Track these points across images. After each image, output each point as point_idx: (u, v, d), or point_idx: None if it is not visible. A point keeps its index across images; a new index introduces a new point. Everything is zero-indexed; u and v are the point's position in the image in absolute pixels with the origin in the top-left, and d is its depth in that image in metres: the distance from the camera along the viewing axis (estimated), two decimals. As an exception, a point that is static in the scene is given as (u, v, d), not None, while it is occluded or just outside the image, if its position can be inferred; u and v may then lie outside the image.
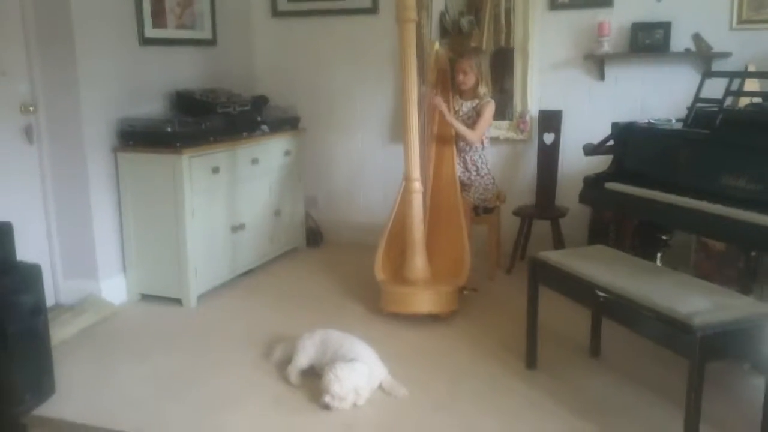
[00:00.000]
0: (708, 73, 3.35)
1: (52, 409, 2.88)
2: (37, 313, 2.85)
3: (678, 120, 3.37)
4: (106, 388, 3.07)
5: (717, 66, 4.26)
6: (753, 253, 3.26)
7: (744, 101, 3.49)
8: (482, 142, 4.37)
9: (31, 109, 3.77)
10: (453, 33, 4.91)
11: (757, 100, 3.39)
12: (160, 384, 3.10)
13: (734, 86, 3.14)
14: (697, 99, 3.20)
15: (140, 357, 3.38)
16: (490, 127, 4.43)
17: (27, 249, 3.59)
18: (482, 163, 4.40)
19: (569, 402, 2.86)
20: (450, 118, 4.16)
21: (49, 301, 3.43)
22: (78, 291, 3.95)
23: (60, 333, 3.48)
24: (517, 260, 4.54)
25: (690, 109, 3.22)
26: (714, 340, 2.28)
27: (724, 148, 2.94)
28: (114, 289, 4.05)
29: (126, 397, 2.98)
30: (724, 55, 4.25)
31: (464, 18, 4.90)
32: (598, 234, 4.48)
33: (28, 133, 3.79)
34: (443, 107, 4.14)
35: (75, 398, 2.97)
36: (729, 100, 3.17)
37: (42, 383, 2.89)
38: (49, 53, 3.77)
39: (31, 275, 2.84)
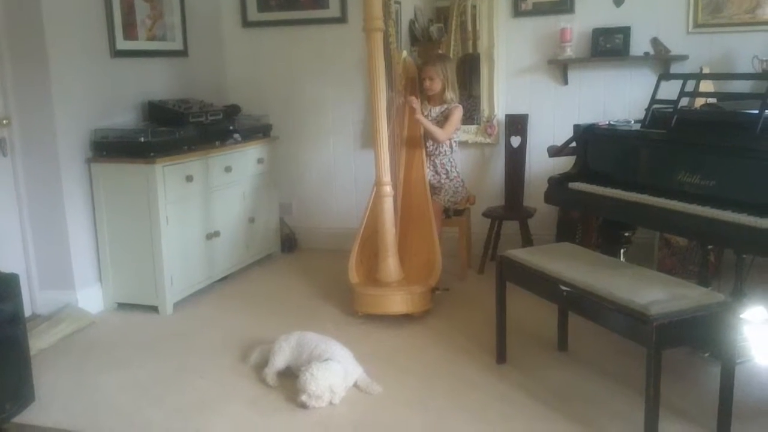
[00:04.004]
0: (663, 76, 3.47)
1: (32, 416, 2.91)
2: (16, 322, 2.88)
3: (637, 121, 3.48)
4: (85, 395, 3.11)
5: (675, 68, 4.42)
6: (710, 247, 3.41)
7: (701, 101, 3.63)
8: (451, 146, 4.48)
9: (4, 122, 3.80)
10: (423, 41, 5.02)
11: (713, 100, 3.54)
12: (139, 390, 3.15)
13: (689, 88, 3.27)
14: (653, 101, 3.33)
15: (119, 364, 3.42)
16: (458, 131, 4.53)
17: (2, 260, 3.63)
18: (451, 166, 4.51)
19: (537, 393, 2.96)
20: (420, 116, 4.24)
21: (26, 311, 3.44)
22: (54, 301, 3.98)
23: (38, 342, 3.51)
24: (488, 260, 4.64)
25: (647, 110, 3.35)
26: (669, 328, 2.39)
27: (680, 147, 3.07)
28: (90, 298, 4.08)
29: (105, 404, 3.03)
30: (682, 57, 4.41)
31: (433, 26, 5.01)
32: (565, 233, 4.60)
33: (2, 145, 3.82)
34: (416, 104, 4.22)
35: (55, 406, 3.01)
36: (685, 101, 3.30)
37: (22, 391, 2.92)
38: (21, 66, 3.81)
39: (8, 285, 2.87)
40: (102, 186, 4.06)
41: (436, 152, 4.45)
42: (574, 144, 3.68)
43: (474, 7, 4.84)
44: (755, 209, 2.62)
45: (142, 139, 3.97)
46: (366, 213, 4.21)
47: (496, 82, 4.84)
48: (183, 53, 4.93)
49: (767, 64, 4.11)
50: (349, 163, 5.33)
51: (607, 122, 3.58)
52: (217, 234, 4.46)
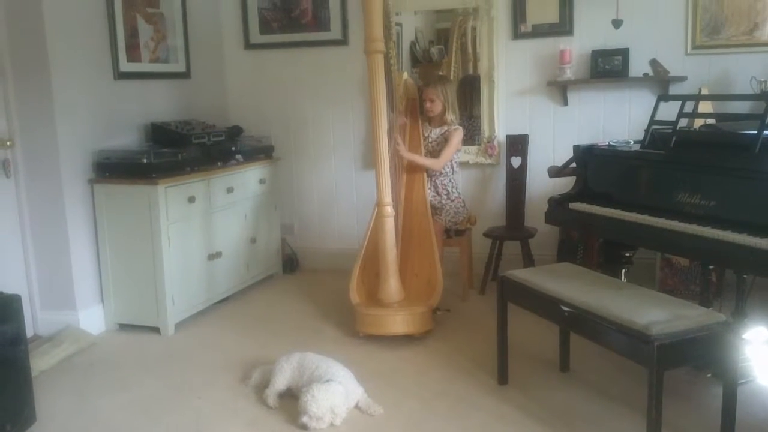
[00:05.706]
0: (662, 97, 3.50)
1: (32, 438, 2.91)
2: (17, 343, 2.87)
3: (636, 142, 3.50)
4: (86, 415, 3.11)
5: (674, 89, 4.45)
6: (711, 267, 3.41)
7: (700, 122, 3.65)
8: (452, 167, 4.50)
9: (8, 143, 3.83)
10: (424, 62, 5.06)
11: (711, 121, 3.56)
12: (140, 411, 3.14)
13: (688, 108, 3.28)
14: (652, 121, 3.35)
15: (120, 385, 3.41)
16: (459, 152, 4.56)
17: (4, 281, 3.64)
18: (453, 187, 4.52)
19: (539, 415, 2.95)
20: (411, 156, 4.29)
21: (28, 332, 3.44)
22: (56, 322, 3.97)
23: (39, 363, 3.50)
24: (489, 280, 4.63)
25: (646, 131, 3.37)
26: (670, 348, 2.39)
27: (679, 167, 3.08)
28: (92, 319, 4.08)
29: (106, 424, 3.02)
30: (680, 79, 4.44)
31: (434, 47, 5.05)
32: (567, 253, 4.61)
33: (5, 166, 3.84)
34: (404, 153, 4.25)
35: (56, 426, 3.00)
36: (684, 122, 3.32)
37: (23, 412, 2.90)
38: (25, 88, 3.84)
39: (10, 305, 2.87)
40: (104, 207, 4.07)
41: (437, 173, 4.47)
42: (574, 164, 3.69)
43: (474, 29, 4.89)
44: (755, 229, 2.63)
45: (145, 160, 3.99)
46: (367, 233, 4.22)
47: (496, 103, 4.87)
48: (186, 75, 4.97)
49: (765, 84, 4.14)
50: (351, 184, 5.35)
51: (606, 143, 3.60)
52: (218, 254, 4.47)
